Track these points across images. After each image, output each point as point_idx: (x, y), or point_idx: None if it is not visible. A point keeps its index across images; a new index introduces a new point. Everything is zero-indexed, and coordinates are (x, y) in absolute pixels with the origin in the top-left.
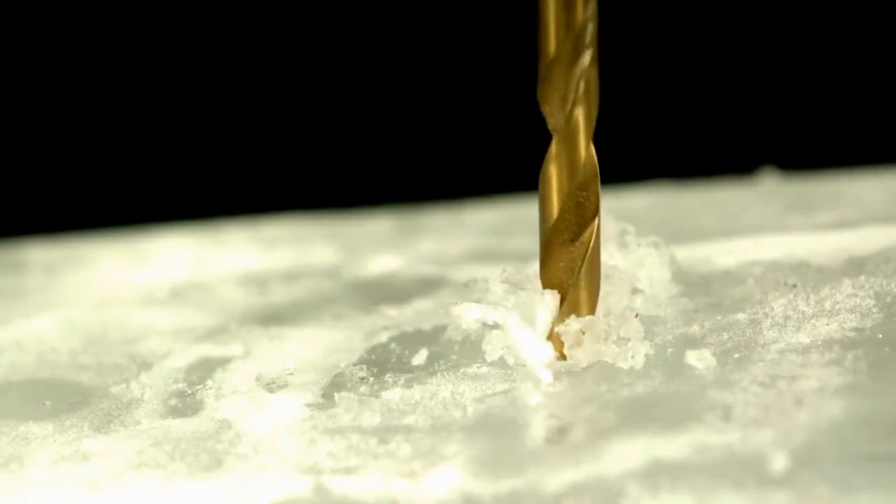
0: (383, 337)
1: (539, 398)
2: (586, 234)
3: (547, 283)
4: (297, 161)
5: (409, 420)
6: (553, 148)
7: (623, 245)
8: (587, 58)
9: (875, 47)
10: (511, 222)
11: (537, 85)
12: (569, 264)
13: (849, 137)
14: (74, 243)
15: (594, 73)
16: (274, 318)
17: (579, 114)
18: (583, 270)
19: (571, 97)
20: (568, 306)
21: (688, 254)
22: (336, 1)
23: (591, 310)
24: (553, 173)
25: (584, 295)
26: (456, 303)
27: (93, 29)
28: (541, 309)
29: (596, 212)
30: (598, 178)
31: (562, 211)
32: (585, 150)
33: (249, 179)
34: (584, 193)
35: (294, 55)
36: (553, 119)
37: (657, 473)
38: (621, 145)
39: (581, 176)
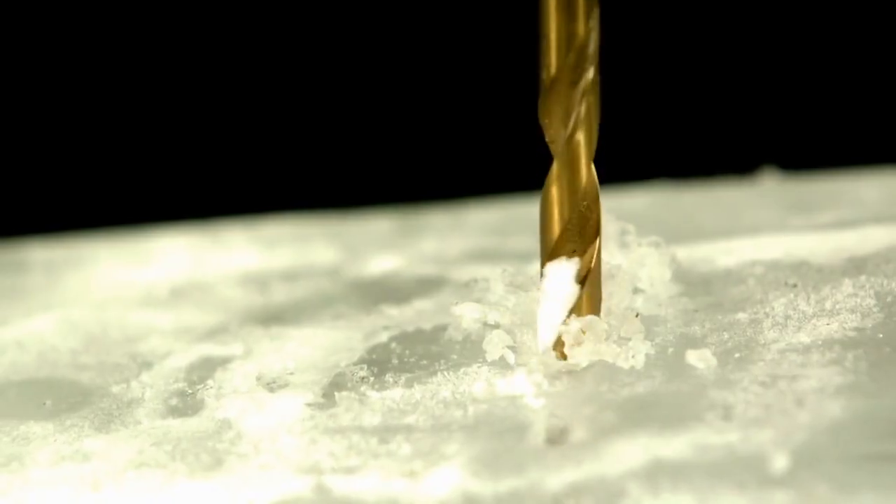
0: (384, 336)
1: (540, 398)
2: (588, 255)
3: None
4: (297, 161)
5: (410, 420)
6: (554, 169)
7: (624, 245)
8: (589, 76)
9: (875, 47)
10: (511, 222)
11: (538, 106)
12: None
13: (849, 137)
14: (75, 243)
15: (596, 94)
16: (274, 317)
17: (580, 136)
18: (585, 288)
19: (573, 119)
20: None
21: (688, 253)
22: (336, 1)
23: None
24: (554, 194)
25: (585, 305)
26: (457, 303)
27: (93, 29)
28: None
29: (597, 232)
30: (600, 199)
31: (563, 232)
32: (587, 171)
33: (249, 179)
34: (585, 213)
35: (294, 55)
36: (554, 142)
37: (658, 473)
38: (622, 145)
39: (582, 196)
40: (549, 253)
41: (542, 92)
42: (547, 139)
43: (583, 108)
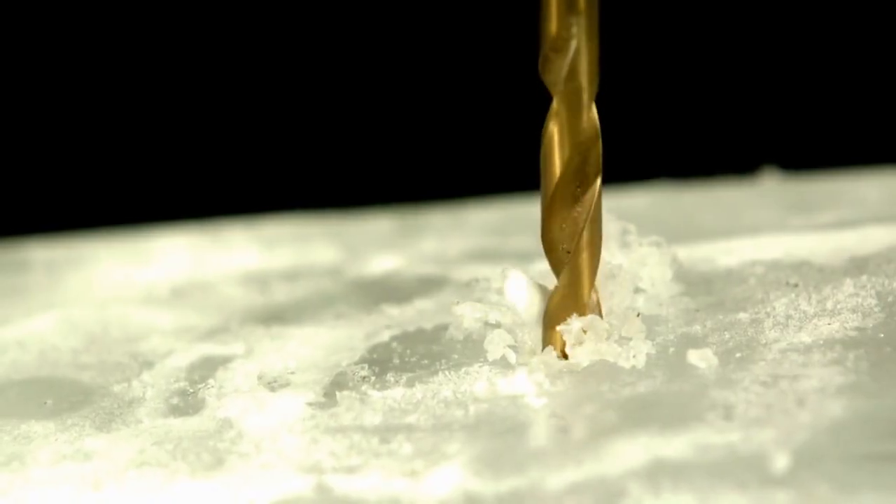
0: (385, 336)
1: (541, 398)
2: (588, 195)
3: (548, 245)
4: (297, 161)
5: (411, 419)
6: (554, 106)
7: (625, 244)
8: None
9: (875, 47)
10: (511, 222)
11: (539, 55)
12: (571, 225)
13: (849, 137)
14: (76, 243)
15: (595, 30)
16: (275, 317)
17: (582, 73)
18: (585, 231)
19: (571, 56)
20: (570, 270)
21: (689, 253)
22: (336, 1)
23: (593, 274)
24: (555, 131)
25: (586, 256)
26: (458, 302)
27: (93, 29)
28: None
29: (598, 171)
30: (600, 138)
31: (564, 171)
32: (587, 110)
33: (250, 179)
34: (585, 152)
35: (294, 55)
36: (554, 81)
37: (659, 473)
38: (622, 145)
39: (583, 135)
40: (549, 196)
41: (542, 51)
42: (545, 80)
43: (584, 38)
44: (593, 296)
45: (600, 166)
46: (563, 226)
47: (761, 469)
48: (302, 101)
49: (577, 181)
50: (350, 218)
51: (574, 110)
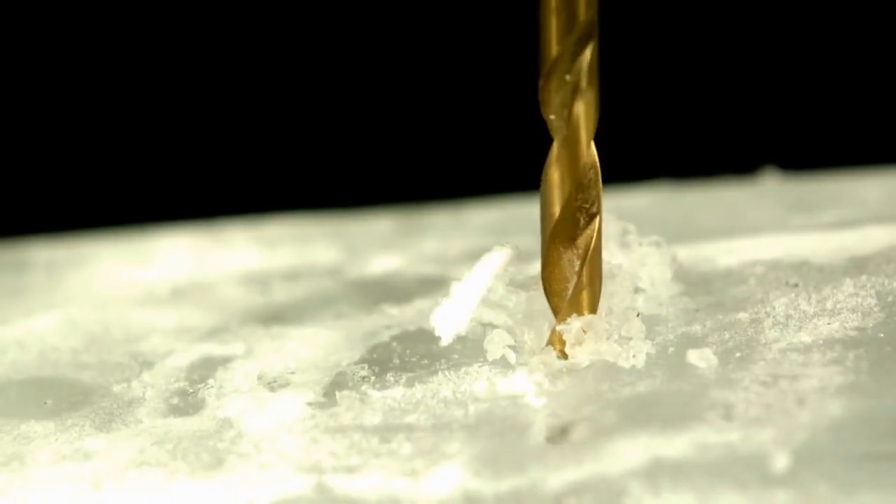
0: (385, 336)
1: (541, 397)
2: (587, 235)
3: (548, 284)
4: (298, 161)
5: (411, 419)
6: (554, 150)
7: (625, 244)
8: (588, 55)
9: (875, 47)
10: (511, 222)
11: (539, 88)
12: (570, 265)
13: (849, 137)
14: (76, 242)
15: (595, 72)
16: (275, 317)
17: (580, 114)
18: (584, 271)
19: (572, 97)
20: (569, 307)
21: (689, 253)
22: (336, 1)
23: (593, 309)
24: (555, 175)
25: (586, 295)
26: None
27: (93, 29)
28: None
29: (597, 212)
30: (600, 179)
31: (563, 212)
32: (587, 150)
33: (251, 179)
34: (585, 195)
35: (294, 55)
36: (554, 121)
37: (659, 472)
38: (622, 145)
39: (582, 177)
40: (548, 238)
41: (543, 72)
42: (546, 119)
43: (583, 83)
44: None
45: (600, 207)
46: (563, 264)
47: (761, 469)
48: (302, 101)
49: (576, 220)
50: (350, 218)
51: (573, 149)
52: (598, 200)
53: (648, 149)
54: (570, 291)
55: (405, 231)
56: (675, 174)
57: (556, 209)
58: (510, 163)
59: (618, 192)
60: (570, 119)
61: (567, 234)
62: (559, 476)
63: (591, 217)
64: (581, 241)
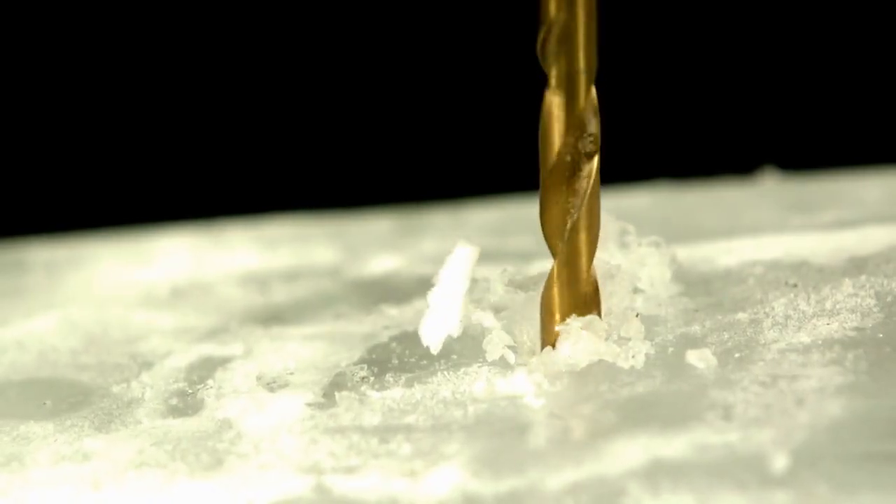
0: (384, 336)
1: (540, 398)
2: (586, 173)
3: (546, 227)
4: (297, 161)
5: (410, 419)
6: (552, 82)
7: (624, 245)
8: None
9: (875, 47)
10: (511, 222)
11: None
12: (568, 205)
13: (849, 137)
14: (75, 243)
15: (593, 13)
16: (275, 317)
17: (580, 54)
18: (583, 211)
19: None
20: (567, 248)
21: (688, 253)
22: (336, 1)
23: (591, 253)
24: (553, 103)
25: (584, 237)
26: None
27: (93, 29)
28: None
29: (595, 151)
30: (598, 118)
31: (561, 151)
32: (586, 91)
33: (250, 179)
34: (584, 133)
35: (294, 55)
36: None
37: (658, 473)
38: (622, 145)
39: (581, 116)
40: (546, 177)
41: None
42: (543, 63)
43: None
44: (592, 273)
45: (599, 145)
46: (561, 205)
47: (760, 469)
48: (302, 102)
49: (575, 158)
50: (350, 218)
51: (572, 90)
52: (596, 139)
53: (648, 149)
54: (567, 232)
55: (405, 231)
56: (675, 174)
57: (555, 149)
58: (510, 163)
59: (617, 192)
60: (568, 59)
61: (565, 174)
62: (558, 476)
63: (590, 156)
64: (579, 182)
